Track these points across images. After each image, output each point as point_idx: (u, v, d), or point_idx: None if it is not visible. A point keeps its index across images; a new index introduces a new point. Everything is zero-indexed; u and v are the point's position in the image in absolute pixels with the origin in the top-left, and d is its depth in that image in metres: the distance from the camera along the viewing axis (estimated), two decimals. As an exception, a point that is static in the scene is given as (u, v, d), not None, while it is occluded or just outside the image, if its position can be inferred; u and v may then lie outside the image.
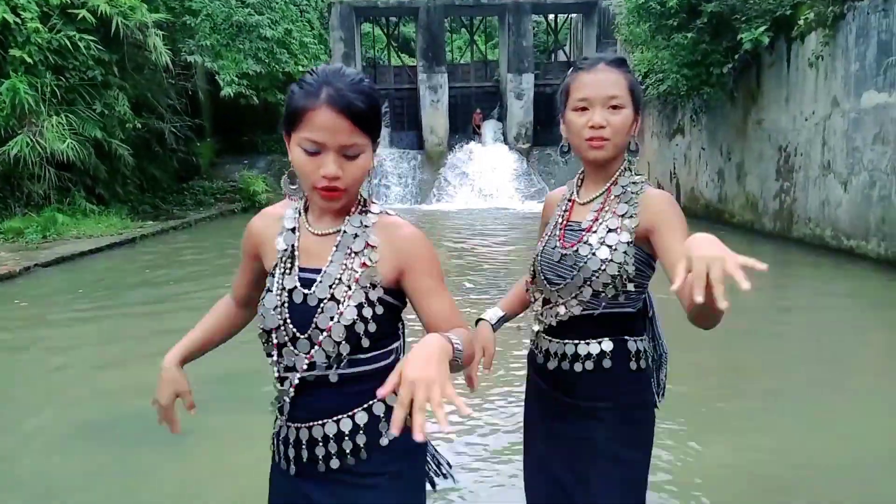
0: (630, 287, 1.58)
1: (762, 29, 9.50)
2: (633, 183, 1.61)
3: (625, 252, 1.55)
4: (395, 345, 1.38)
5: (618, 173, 1.63)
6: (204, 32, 14.62)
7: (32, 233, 11.02)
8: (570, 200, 1.70)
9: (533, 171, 19.70)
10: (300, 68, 19.11)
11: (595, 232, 1.59)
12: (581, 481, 1.61)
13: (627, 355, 1.62)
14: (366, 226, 1.35)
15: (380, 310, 1.31)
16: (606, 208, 1.61)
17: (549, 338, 1.67)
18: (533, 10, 21.74)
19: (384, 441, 1.33)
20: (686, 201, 14.05)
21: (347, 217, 1.35)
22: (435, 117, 20.64)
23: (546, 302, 1.67)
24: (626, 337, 1.62)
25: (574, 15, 24.01)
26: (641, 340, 1.65)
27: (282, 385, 1.34)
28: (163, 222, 13.76)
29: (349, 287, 1.30)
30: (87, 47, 11.89)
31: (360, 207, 1.37)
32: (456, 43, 32.61)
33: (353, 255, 1.32)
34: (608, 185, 1.63)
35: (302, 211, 1.39)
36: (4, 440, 3.85)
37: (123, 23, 12.27)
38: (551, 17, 25.92)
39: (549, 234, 1.69)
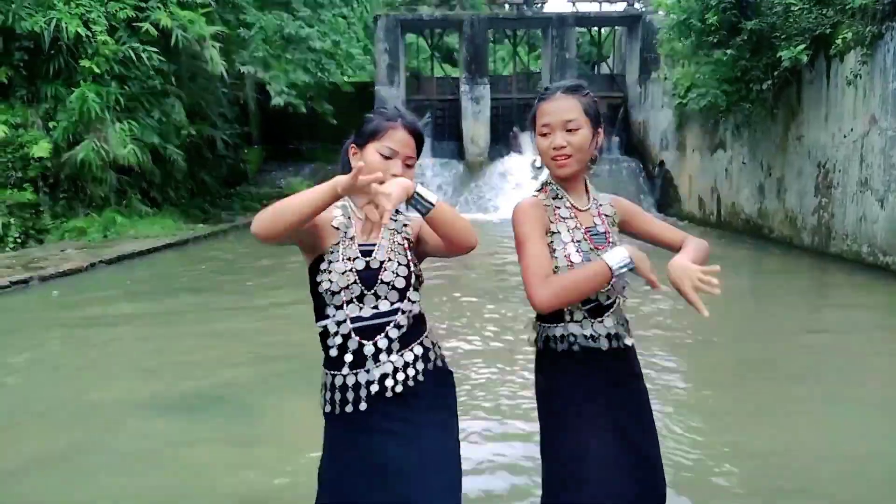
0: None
1: (801, 47, 9.60)
2: (594, 195, 2.00)
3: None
4: (421, 306, 1.87)
5: (587, 182, 1.99)
6: (257, 44, 15.26)
7: (94, 232, 11.74)
8: (572, 208, 1.93)
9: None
10: (346, 78, 19.73)
11: (610, 232, 1.95)
12: (647, 431, 1.96)
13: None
14: (399, 212, 1.89)
15: (415, 267, 1.83)
16: (599, 213, 1.97)
17: (600, 327, 1.90)
18: (577, 22, 21.97)
19: (431, 366, 1.83)
20: (727, 216, 14.09)
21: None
22: (476, 128, 20.97)
23: (594, 312, 1.90)
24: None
25: (618, 28, 24.13)
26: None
27: (341, 340, 1.75)
28: (212, 225, 14.39)
29: (402, 253, 1.82)
30: (149, 58, 12.58)
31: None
32: (499, 54, 32.95)
33: (396, 232, 1.85)
34: (591, 193, 2.00)
35: (350, 204, 1.85)
36: (89, 409, 4.31)
37: (183, 35, 12.94)
38: (595, 29, 26.05)
39: (575, 240, 1.88)
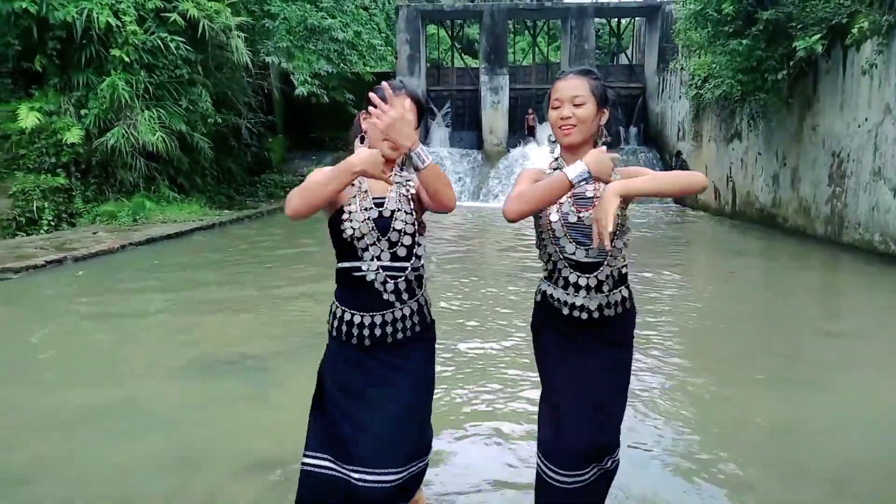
0: (625, 240, 2.15)
1: (817, 37, 9.70)
2: (618, 160, 2.08)
3: (620, 211, 2.08)
4: (424, 252, 2.18)
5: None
6: (281, 35, 15.58)
7: (125, 216, 12.17)
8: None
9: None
10: (368, 69, 20.00)
11: (599, 199, 2.06)
12: (613, 392, 2.23)
13: (632, 298, 2.24)
14: (403, 168, 2.20)
15: (418, 215, 2.14)
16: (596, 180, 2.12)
17: (588, 295, 2.13)
18: (596, 13, 22.04)
19: (427, 319, 2.21)
20: (741, 205, 14.19)
21: (393, 167, 2.15)
22: (495, 118, 21.18)
23: (580, 267, 2.12)
24: (627, 285, 2.23)
25: (637, 19, 24.14)
26: (629, 287, 2.25)
27: (371, 282, 2.06)
28: (238, 211, 14.79)
29: (407, 203, 2.12)
30: (176, 48, 12.95)
31: (398, 162, 2.20)
32: (519, 44, 33.04)
33: (401, 186, 2.15)
34: None
35: None
36: (123, 377, 4.66)
37: (209, 25, 13.29)
38: (614, 20, 26.06)
39: (557, 203, 2.09)
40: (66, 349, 5.47)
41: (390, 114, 1.89)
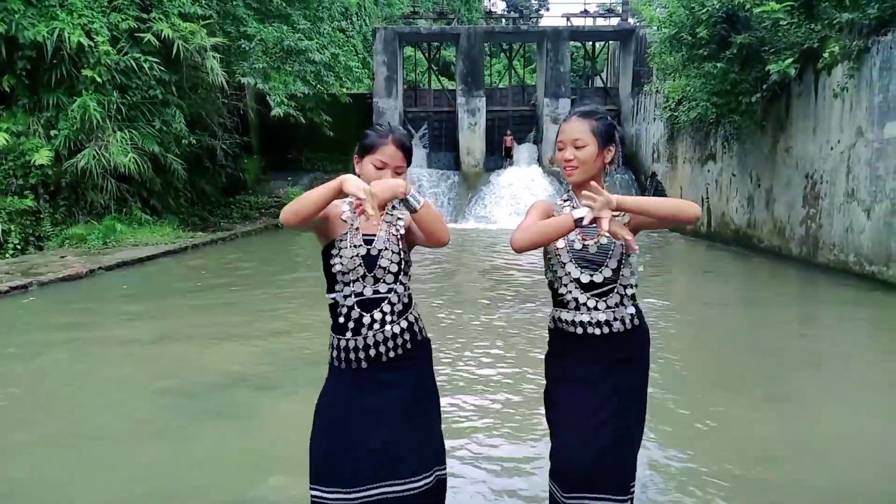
0: (633, 269, 2.31)
1: (789, 61, 9.85)
2: (615, 190, 2.31)
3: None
4: (409, 288, 2.28)
5: (605, 186, 2.30)
6: (257, 56, 15.48)
7: (94, 239, 11.87)
8: (573, 208, 2.30)
9: (565, 194, 20.07)
10: (345, 90, 19.97)
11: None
12: (620, 411, 2.26)
13: (641, 317, 2.35)
14: (395, 208, 2.28)
15: (405, 255, 2.24)
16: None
17: (594, 312, 2.26)
18: (571, 37, 22.31)
19: (418, 337, 2.27)
20: (717, 226, 14.31)
21: (385, 207, 2.22)
22: (472, 139, 21.25)
23: (587, 287, 2.25)
24: (636, 303, 2.35)
25: (612, 42, 24.50)
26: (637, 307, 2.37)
27: (346, 310, 2.17)
28: (212, 234, 14.55)
29: (395, 242, 2.22)
30: (150, 68, 12.78)
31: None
32: (495, 67, 33.32)
33: (391, 225, 2.24)
34: None
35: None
36: (97, 408, 4.44)
37: (184, 46, 13.14)
38: (589, 43, 26.42)
39: (565, 235, 2.25)
40: (25, 380, 5.23)
41: (374, 184, 2.02)
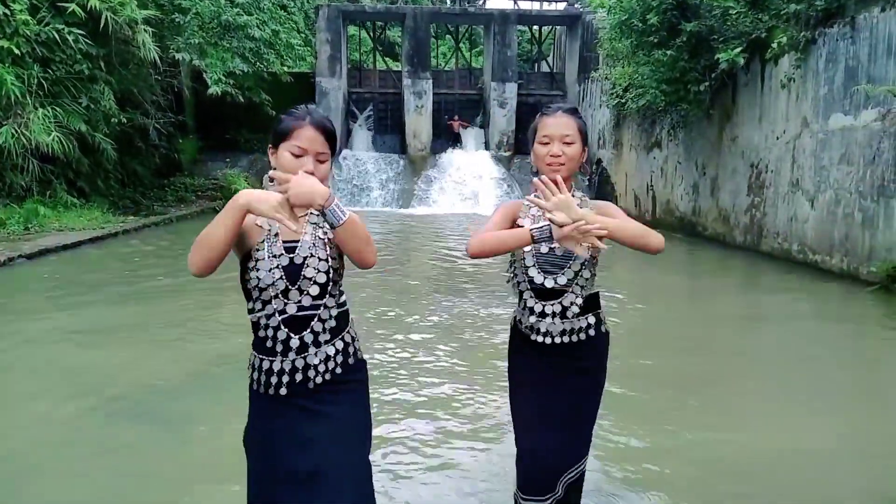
0: (594, 271, 2.28)
1: (738, 50, 9.89)
2: (581, 196, 2.26)
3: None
4: (344, 297, 2.00)
5: (573, 190, 2.24)
6: (192, 30, 14.63)
7: (14, 224, 11.01)
8: (541, 209, 2.17)
9: (513, 179, 20.00)
10: (286, 69, 19.23)
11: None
12: (575, 417, 2.32)
13: (600, 323, 2.32)
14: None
15: (337, 265, 1.94)
16: None
17: (553, 321, 2.22)
18: (518, 20, 22.09)
19: (351, 360, 1.98)
20: (661, 213, 14.44)
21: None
22: (419, 122, 20.85)
23: (544, 294, 2.22)
24: (598, 311, 2.32)
25: (558, 27, 24.42)
26: (601, 312, 2.35)
27: (272, 332, 1.88)
28: (144, 218, 13.79)
29: (322, 248, 1.90)
30: (75, 41, 11.90)
31: None
32: (441, 49, 32.87)
33: (319, 227, 1.93)
34: (576, 197, 2.22)
35: None
36: (9, 421, 3.99)
37: (112, 18, 12.29)
38: (536, 28, 26.29)
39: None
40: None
41: (291, 185, 1.73)
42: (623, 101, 15.31)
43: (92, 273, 8.89)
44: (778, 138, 9.97)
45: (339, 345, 1.94)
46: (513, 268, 2.30)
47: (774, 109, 10.06)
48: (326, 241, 1.91)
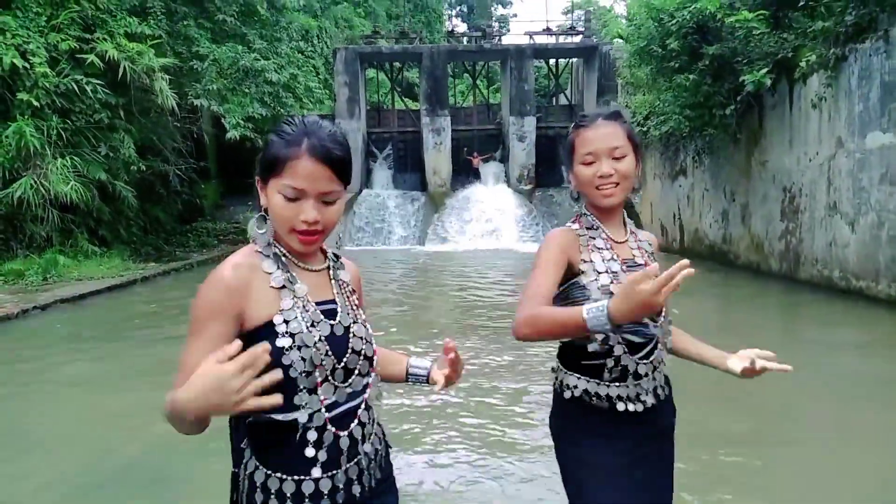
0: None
1: (764, 71, 9.55)
2: (632, 223, 1.87)
3: None
4: None
5: (623, 217, 1.84)
6: (210, 77, 14.73)
7: (33, 275, 10.95)
8: (608, 239, 1.78)
9: (536, 213, 19.69)
10: (305, 112, 19.32)
11: (650, 264, 1.64)
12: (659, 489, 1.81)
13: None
14: (338, 258, 1.52)
15: (370, 328, 1.48)
16: (638, 246, 1.82)
17: (613, 390, 1.72)
18: (534, 55, 22.08)
19: (384, 449, 1.52)
20: (690, 242, 13.98)
21: (325, 254, 1.50)
22: (438, 160, 20.77)
23: (634, 348, 1.71)
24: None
25: (575, 59, 24.35)
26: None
27: (314, 434, 1.33)
28: (165, 264, 13.70)
29: (354, 309, 1.45)
30: (94, 91, 12.01)
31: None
32: (459, 87, 33.05)
33: (344, 284, 1.48)
34: (628, 225, 1.84)
35: (287, 252, 1.41)
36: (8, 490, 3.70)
37: (131, 67, 12.40)
38: (552, 61, 26.27)
39: (610, 271, 1.71)
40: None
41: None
42: (644, 129, 15.01)
43: (105, 322, 8.69)
44: (811, 160, 9.55)
45: (379, 432, 1.49)
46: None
47: (805, 131, 9.65)
48: (357, 304, 1.49)
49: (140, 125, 13.96)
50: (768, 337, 7.35)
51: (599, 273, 1.70)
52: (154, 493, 3.59)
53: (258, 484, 1.33)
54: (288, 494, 1.32)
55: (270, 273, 1.36)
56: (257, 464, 1.34)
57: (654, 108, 13.41)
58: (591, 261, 1.72)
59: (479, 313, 8.70)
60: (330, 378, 1.34)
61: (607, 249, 1.75)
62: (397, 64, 26.45)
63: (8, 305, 8.85)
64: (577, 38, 24.51)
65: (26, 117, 11.41)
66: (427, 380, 1.64)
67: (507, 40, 30.98)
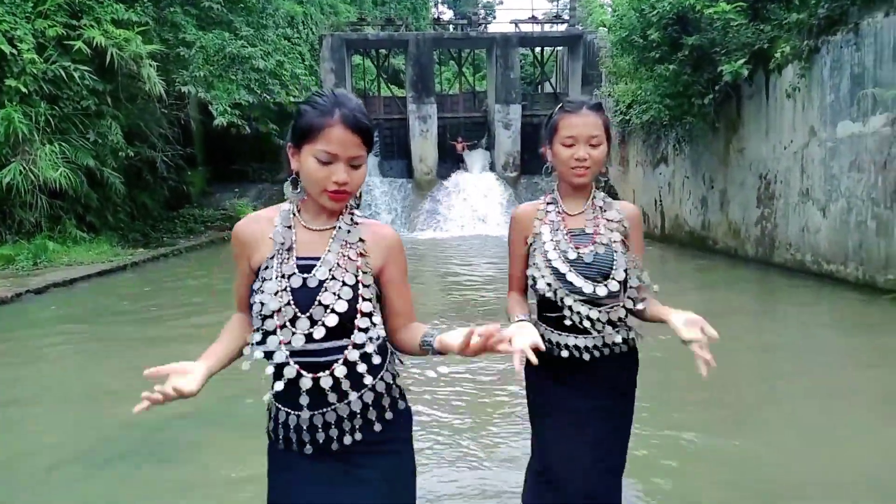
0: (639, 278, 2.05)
1: (741, 62, 9.83)
2: (605, 196, 2.12)
3: (624, 247, 2.01)
4: (381, 333, 1.61)
5: (593, 191, 2.08)
6: (197, 64, 14.79)
7: (24, 260, 11.05)
8: (562, 213, 2.06)
9: (520, 200, 19.94)
10: (291, 99, 19.40)
11: (601, 234, 2.01)
12: (608, 440, 2.10)
13: (633, 339, 2.11)
14: (356, 223, 1.63)
15: (369, 293, 1.57)
16: (595, 217, 2.05)
17: (574, 340, 2.02)
18: (520, 43, 22.25)
19: (388, 414, 1.60)
20: (670, 229, 14.31)
21: (340, 216, 1.62)
22: (424, 147, 20.93)
23: (589, 304, 2.00)
24: (628, 325, 2.09)
25: (560, 48, 24.56)
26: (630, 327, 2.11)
27: (277, 369, 1.53)
28: (153, 249, 13.82)
29: (346, 270, 1.56)
30: (81, 77, 12.06)
31: (349, 208, 1.64)
32: (445, 74, 33.13)
33: (348, 245, 1.59)
34: (589, 200, 2.08)
35: (295, 211, 1.62)
36: (8, 462, 3.91)
37: (118, 54, 12.45)
38: (538, 49, 26.45)
39: (553, 240, 2.03)
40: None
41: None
42: (627, 117, 15.29)
43: (98, 305, 8.85)
44: (785, 148, 9.87)
45: (368, 397, 1.56)
46: (542, 279, 2.03)
47: (780, 120, 9.97)
48: (359, 265, 1.57)
49: (127, 112, 14.01)
50: (746, 317, 7.67)
51: (544, 242, 2.03)
52: (175, 459, 3.82)
53: (267, 407, 1.64)
54: (280, 422, 1.58)
55: (275, 226, 1.59)
56: (270, 393, 1.60)
57: (637, 98, 13.67)
58: (540, 232, 2.05)
59: (468, 297, 8.95)
60: (288, 324, 1.50)
61: (558, 221, 2.05)
62: (383, 51, 26.51)
63: (1, 290, 8.98)
64: (563, 27, 24.72)
65: (14, 103, 11.47)
66: (435, 349, 1.59)
67: (492, 28, 31.14)
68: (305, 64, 21.77)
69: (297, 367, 1.51)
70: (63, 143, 12.12)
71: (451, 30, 26.17)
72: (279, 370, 1.53)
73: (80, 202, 12.92)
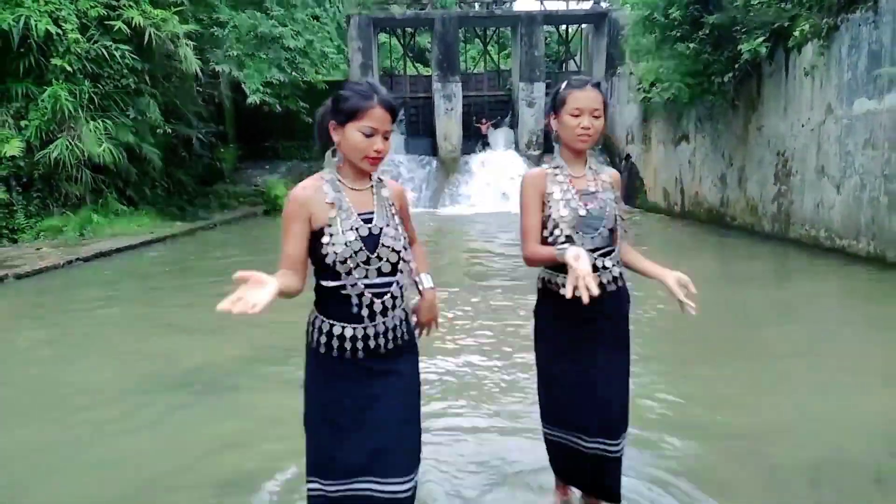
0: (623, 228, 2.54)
1: (760, 40, 10.01)
2: (596, 161, 2.57)
3: (615, 202, 2.48)
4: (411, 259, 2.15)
5: (588, 156, 2.51)
6: (231, 43, 15.31)
7: (70, 231, 11.73)
8: (568, 175, 2.47)
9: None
10: (321, 77, 19.84)
11: (601, 192, 2.46)
12: (611, 372, 2.50)
13: (623, 277, 2.52)
14: (382, 183, 2.14)
15: (404, 230, 2.13)
16: (594, 178, 2.49)
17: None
18: (545, 21, 22.33)
19: (410, 325, 2.20)
20: (690, 206, 14.53)
21: (370, 178, 2.11)
22: (449, 125, 21.24)
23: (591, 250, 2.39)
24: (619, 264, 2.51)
25: (585, 26, 24.58)
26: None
27: (356, 299, 2.01)
28: (190, 222, 14.44)
29: (391, 217, 2.09)
30: (121, 57, 12.61)
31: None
32: (470, 53, 33.26)
33: (384, 200, 2.11)
34: (588, 165, 2.52)
35: (340, 179, 2.07)
36: (77, 397, 4.46)
37: (156, 34, 12.97)
38: (563, 27, 26.48)
39: (564, 198, 2.40)
40: (4, 375, 5.20)
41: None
42: (649, 96, 15.43)
43: (147, 272, 9.45)
44: (803, 126, 10.07)
45: (402, 314, 2.10)
46: (554, 232, 2.39)
47: (799, 98, 10.15)
48: (393, 213, 2.09)
49: (164, 90, 14.57)
50: (761, 289, 7.97)
51: (558, 200, 2.39)
52: (216, 389, 4.33)
53: (316, 327, 2.06)
54: (330, 334, 2.02)
55: (326, 193, 2.01)
56: (318, 314, 2.05)
57: (658, 76, 13.84)
58: (552, 191, 2.41)
59: (489, 267, 9.37)
60: (362, 264, 1.98)
61: (566, 182, 2.43)
62: (409, 29, 26.73)
63: (53, 257, 9.63)
64: (588, 5, 24.70)
65: (60, 82, 12.06)
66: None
67: (518, 6, 31.05)
68: (333, 43, 22.17)
69: (370, 296, 2.01)
70: (105, 120, 12.71)
71: (477, 8, 26.26)
72: (359, 297, 2.00)
73: (120, 177, 13.54)
